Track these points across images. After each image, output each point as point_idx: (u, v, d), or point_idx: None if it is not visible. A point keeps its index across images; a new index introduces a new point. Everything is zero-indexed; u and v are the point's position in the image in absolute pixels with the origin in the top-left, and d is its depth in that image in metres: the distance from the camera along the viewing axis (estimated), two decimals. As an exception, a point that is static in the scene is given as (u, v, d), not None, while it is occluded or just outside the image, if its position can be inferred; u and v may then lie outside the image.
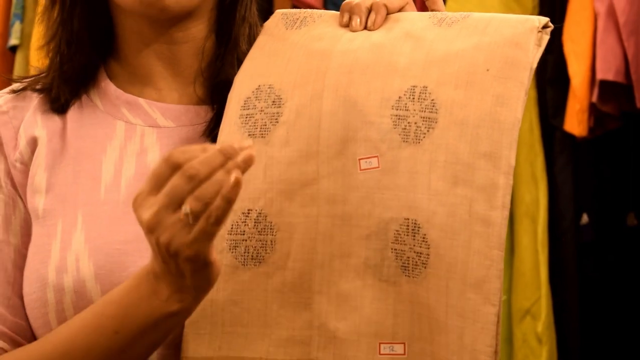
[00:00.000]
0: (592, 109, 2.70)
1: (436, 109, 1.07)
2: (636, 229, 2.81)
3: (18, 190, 1.21)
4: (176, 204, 0.97)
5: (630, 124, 2.77)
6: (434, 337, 1.04)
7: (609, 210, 2.83)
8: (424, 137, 1.07)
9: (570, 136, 2.76)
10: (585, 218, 2.85)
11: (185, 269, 1.00)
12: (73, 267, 1.14)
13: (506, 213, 1.04)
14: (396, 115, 1.08)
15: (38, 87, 1.25)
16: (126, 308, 1.05)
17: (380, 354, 1.05)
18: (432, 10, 1.19)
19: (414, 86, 1.09)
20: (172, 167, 0.98)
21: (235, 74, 1.20)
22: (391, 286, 1.07)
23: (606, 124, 2.75)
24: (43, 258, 1.16)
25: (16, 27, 3.34)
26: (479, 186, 1.04)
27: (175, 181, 0.97)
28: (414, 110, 1.08)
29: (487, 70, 1.07)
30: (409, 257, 1.06)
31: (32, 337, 1.21)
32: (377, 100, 1.09)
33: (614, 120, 2.74)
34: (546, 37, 1.10)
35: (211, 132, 1.21)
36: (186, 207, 0.96)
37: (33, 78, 1.27)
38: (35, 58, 3.24)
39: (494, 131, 1.05)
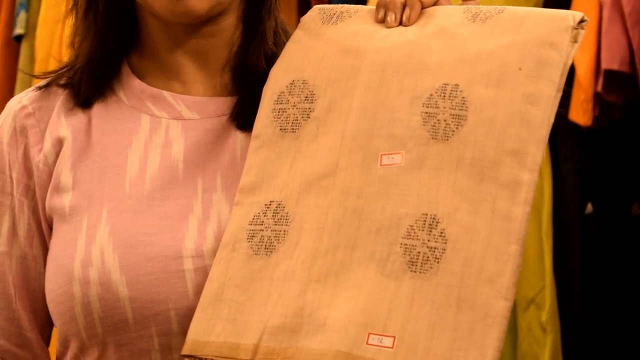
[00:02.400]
0: (597, 98, 2.69)
1: (466, 107, 1.08)
2: (641, 219, 2.82)
3: (34, 194, 1.22)
4: None
5: (634, 114, 2.76)
6: (433, 334, 1.03)
7: (614, 199, 2.83)
8: (452, 134, 1.07)
9: (575, 126, 2.75)
10: (589, 207, 2.84)
11: None
12: (98, 260, 1.14)
13: (528, 209, 1.04)
14: (426, 113, 1.09)
15: (62, 82, 1.25)
16: None
17: (367, 343, 1.04)
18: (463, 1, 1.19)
19: (445, 84, 1.09)
20: None
21: (261, 65, 1.22)
22: (392, 281, 1.07)
23: (611, 114, 2.74)
24: (69, 253, 1.17)
25: (21, 17, 3.34)
26: (503, 183, 1.05)
27: None
28: (444, 107, 1.08)
29: (520, 69, 1.07)
30: (419, 252, 1.06)
31: (42, 348, 1.22)
32: (409, 98, 1.10)
33: (619, 110, 2.74)
34: (582, 32, 1.10)
35: (237, 122, 1.22)
36: None
37: (57, 73, 1.27)
38: (41, 48, 3.25)
39: (522, 129, 1.05)
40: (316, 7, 1.23)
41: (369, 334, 1.04)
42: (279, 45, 1.25)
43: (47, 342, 1.26)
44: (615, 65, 2.64)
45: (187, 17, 1.18)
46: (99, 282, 1.14)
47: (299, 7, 3.16)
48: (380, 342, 1.04)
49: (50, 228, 1.21)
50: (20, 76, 3.33)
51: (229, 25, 1.24)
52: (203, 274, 1.14)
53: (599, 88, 2.66)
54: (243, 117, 1.22)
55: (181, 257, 1.15)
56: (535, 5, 2.80)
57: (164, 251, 1.15)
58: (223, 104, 1.24)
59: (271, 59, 1.23)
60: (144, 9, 1.21)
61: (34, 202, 1.22)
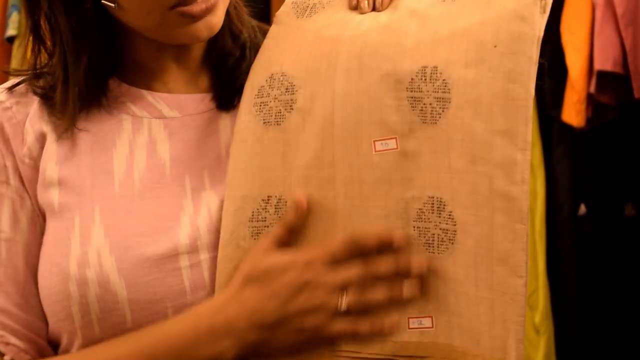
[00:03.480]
0: (590, 99, 2.70)
1: (448, 89, 1.09)
2: (634, 220, 2.82)
3: (26, 185, 1.22)
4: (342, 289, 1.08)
5: (627, 115, 2.77)
6: (462, 310, 1.05)
7: (607, 201, 2.83)
8: (439, 117, 1.08)
9: (568, 127, 2.76)
10: (583, 209, 2.85)
11: (289, 337, 1.09)
12: (95, 262, 1.14)
13: (526, 187, 1.05)
14: (412, 97, 1.10)
15: (39, 90, 1.24)
16: (180, 349, 1.11)
17: (409, 328, 1.06)
18: None
19: (424, 67, 1.10)
20: (355, 250, 1.08)
21: (228, 43, 1.24)
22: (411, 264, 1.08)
23: (604, 115, 2.75)
24: (63, 251, 1.17)
25: (14, 18, 3.34)
26: (497, 163, 1.06)
27: (354, 272, 1.08)
28: (428, 91, 1.09)
29: (495, 46, 1.08)
30: (434, 234, 1.07)
31: (45, 337, 1.22)
32: (391, 83, 1.11)
33: (612, 111, 2.74)
34: (549, 1, 1.11)
35: (218, 102, 1.24)
36: (344, 301, 1.08)
37: (30, 73, 1.27)
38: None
39: (508, 108, 1.06)
40: (289, 1, 1.25)
41: (408, 318, 1.06)
42: (243, 22, 1.27)
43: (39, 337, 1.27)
44: (608, 67, 2.64)
45: (209, 36, 1.18)
46: (98, 283, 1.14)
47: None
48: (421, 323, 1.06)
49: (45, 221, 1.21)
50: (12, 77, 3.33)
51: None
52: (198, 269, 1.15)
53: (592, 89, 2.66)
54: (222, 98, 1.24)
55: (177, 255, 1.15)
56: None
57: (159, 250, 1.15)
58: (203, 100, 1.25)
59: (239, 36, 1.26)
60: (126, 29, 1.21)
61: (28, 192, 1.22)
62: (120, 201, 1.18)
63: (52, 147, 1.21)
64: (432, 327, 1.06)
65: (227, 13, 1.24)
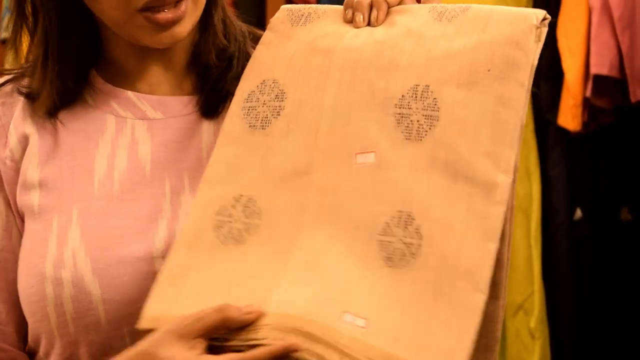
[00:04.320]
0: (586, 103, 2.70)
1: (438, 107, 1.09)
2: (630, 224, 2.82)
3: (5, 188, 1.22)
4: None
5: (624, 119, 2.77)
6: (407, 322, 1.03)
7: (603, 205, 2.83)
8: (425, 134, 1.09)
9: (564, 131, 2.76)
10: (579, 213, 2.85)
11: None
12: (70, 263, 1.15)
13: (504, 209, 1.04)
14: (399, 114, 1.10)
15: (24, 89, 1.24)
16: None
17: (341, 320, 1.04)
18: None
19: (416, 85, 1.11)
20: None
21: (211, 58, 1.24)
22: (369, 275, 1.07)
23: (600, 119, 2.75)
24: (41, 253, 1.17)
25: (7, 21, 3.34)
26: (478, 182, 1.06)
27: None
28: (417, 108, 1.10)
29: (489, 70, 1.09)
30: (395, 248, 1.06)
31: (16, 343, 1.22)
32: (381, 98, 1.11)
33: (608, 115, 2.74)
34: (545, 30, 1.11)
35: (202, 113, 1.23)
36: None
37: (17, 72, 1.27)
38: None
39: (495, 131, 1.07)
40: (284, 8, 1.25)
41: (343, 312, 1.04)
42: (230, 35, 1.27)
43: (24, 339, 1.25)
44: (604, 70, 2.64)
45: (172, 44, 1.19)
46: (72, 283, 1.14)
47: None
48: (353, 320, 1.04)
49: (24, 223, 1.21)
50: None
51: (193, 29, 1.24)
52: None
53: (588, 93, 2.67)
54: (206, 107, 1.24)
55: (152, 258, 1.16)
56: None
57: (135, 253, 1.15)
58: (187, 103, 1.25)
59: (224, 52, 1.26)
60: (109, 31, 1.21)
61: (6, 196, 1.21)
62: (98, 202, 1.18)
63: (34, 149, 1.21)
64: (365, 327, 1.03)
65: (213, 27, 1.24)
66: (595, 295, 2.83)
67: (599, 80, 2.66)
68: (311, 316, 1.03)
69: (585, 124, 2.73)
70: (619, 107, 2.72)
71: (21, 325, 1.23)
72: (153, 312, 1.09)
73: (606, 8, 2.65)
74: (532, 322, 2.85)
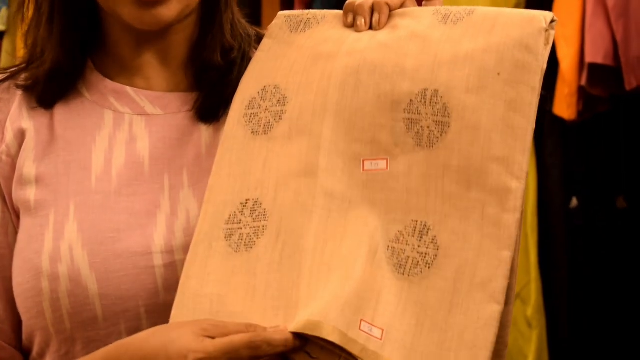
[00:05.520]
0: (581, 92, 2.70)
1: (448, 113, 1.08)
2: (626, 212, 2.82)
3: (1, 184, 1.21)
4: None
5: (619, 107, 2.77)
6: (422, 333, 1.04)
7: (599, 193, 2.83)
8: (437, 141, 1.08)
9: (559, 120, 2.76)
10: (574, 202, 2.85)
11: None
12: (67, 257, 1.14)
13: (518, 216, 1.04)
14: (409, 119, 1.09)
15: (21, 82, 1.24)
16: None
17: (360, 329, 1.04)
18: (427, 0, 1.18)
19: (424, 89, 1.09)
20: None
21: (216, 58, 1.21)
22: (379, 277, 1.06)
23: (595, 107, 2.74)
24: (36, 248, 1.16)
25: (2, 13, 3.34)
26: (492, 189, 1.05)
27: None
28: (426, 114, 1.08)
29: (498, 74, 1.07)
30: (408, 257, 1.06)
31: (12, 340, 1.22)
32: (388, 103, 1.10)
33: (603, 104, 2.74)
34: (552, 33, 1.10)
35: (199, 115, 1.22)
36: None
37: (14, 69, 1.26)
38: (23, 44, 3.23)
39: (507, 137, 1.06)
40: (282, 15, 1.22)
41: (361, 320, 1.04)
42: (237, 37, 1.25)
43: (21, 338, 1.25)
44: (599, 59, 2.64)
45: (156, 26, 1.17)
46: (69, 278, 1.13)
47: (282, 4, 3.16)
48: (370, 331, 1.04)
49: (19, 219, 1.21)
50: (2, 72, 3.32)
51: (190, 23, 1.23)
52: (173, 269, 1.14)
53: (583, 82, 2.66)
54: (205, 111, 1.22)
55: (150, 253, 1.15)
56: (518, 1, 2.80)
57: (133, 247, 1.14)
58: (186, 99, 1.23)
59: (229, 53, 1.23)
60: (106, 13, 1.20)
61: (2, 191, 1.21)
62: (96, 197, 1.17)
63: (30, 144, 1.21)
64: (380, 339, 1.03)
65: (220, 26, 1.23)
66: (592, 284, 2.83)
67: (593, 68, 2.66)
68: (334, 322, 1.03)
69: (580, 113, 2.72)
70: (614, 95, 2.72)
71: (18, 323, 1.22)
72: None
73: (600, -3, 2.66)
74: (529, 311, 2.85)
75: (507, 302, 1.09)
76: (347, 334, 1.02)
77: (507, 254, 1.03)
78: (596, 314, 2.83)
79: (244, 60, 1.23)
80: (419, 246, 1.06)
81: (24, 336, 1.21)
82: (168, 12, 1.16)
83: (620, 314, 2.81)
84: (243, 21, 1.27)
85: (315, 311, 1.03)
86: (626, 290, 2.80)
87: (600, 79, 2.68)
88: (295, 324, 1.03)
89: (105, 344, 1.11)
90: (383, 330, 1.04)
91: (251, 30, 1.28)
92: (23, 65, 1.25)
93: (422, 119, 1.08)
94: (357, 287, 1.05)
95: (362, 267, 1.07)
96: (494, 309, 1.02)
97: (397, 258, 1.06)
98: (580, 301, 2.84)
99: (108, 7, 1.17)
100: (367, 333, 1.03)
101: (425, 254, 1.06)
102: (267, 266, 1.09)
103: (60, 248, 1.14)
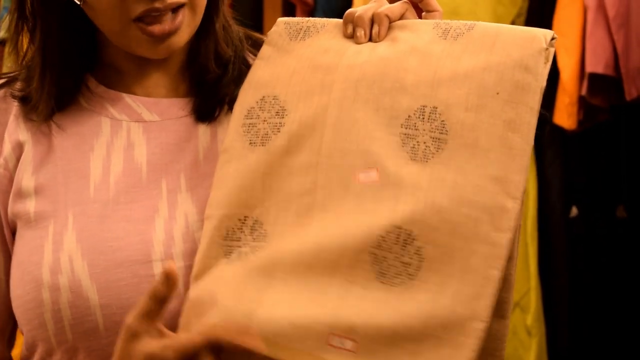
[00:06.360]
0: (582, 102, 2.70)
1: (446, 130, 1.07)
2: (626, 222, 2.82)
3: None
4: None
5: (619, 117, 2.77)
6: (397, 343, 1.02)
7: (599, 203, 2.83)
8: (432, 156, 1.07)
9: (560, 129, 2.76)
10: (574, 211, 2.85)
11: None
12: (67, 268, 1.14)
13: (511, 236, 1.03)
14: (405, 134, 1.09)
15: (17, 93, 1.23)
16: None
17: (329, 344, 1.03)
18: (427, 11, 1.18)
19: (423, 106, 1.09)
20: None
21: (210, 64, 1.22)
22: (358, 286, 1.05)
23: (595, 117, 2.75)
24: (36, 260, 1.16)
25: (6, 20, 3.33)
26: (485, 207, 1.04)
27: None
28: (424, 130, 1.08)
29: (497, 93, 1.07)
30: (390, 265, 1.05)
31: (1, 346, 1.22)
32: (386, 118, 1.09)
33: (603, 113, 2.75)
34: (552, 50, 1.09)
35: (196, 117, 1.22)
36: None
37: (8, 77, 1.26)
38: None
39: (504, 156, 1.05)
40: (281, 22, 1.22)
41: (330, 334, 1.03)
42: (229, 40, 1.25)
43: (8, 345, 1.26)
44: (599, 69, 2.64)
45: (168, 54, 1.18)
46: (70, 289, 1.13)
47: (283, 8, 3.16)
48: (342, 344, 1.03)
49: (13, 234, 1.20)
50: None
51: (189, 38, 1.23)
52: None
53: (584, 92, 2.67)
54: (201, 112, 1.22)
55: (150, 262, 1.14)
56: (520, 10, 2.81)
57: (133, 256, 1.14)
58: (183, 105, 1.23)
59: (221, 58, 1.24)
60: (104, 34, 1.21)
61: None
62: (94, 206, 1.17)
63: (28, 156, 1.20)
64: (355, 352, 1.02)
65: (214, 34, 1.23)
66: (591, 293, 2.83)
67: (594, 78, 2.67)
68: (298, 342, 1.02)
69: (580, 123, 2.73)
70: (614, 105, 2.72)
71: (5, 329, 1.23)
72: None
73: (601, 7, 2.66)
74: (529, 320, 2.85)
75: (504, 316, 1.09)
76: (312, 353, 1.02)
77: (495, 273, 1.02)
78: (596, 322, 2.83)
79: (237, 61, 1.25)
80: (402, 255, 1.05)
81: (24, 347, 1.20)
82: (180, 40, 1.17)
83: (620, 322, 2.81)
84: (233, 23, 1.28)
85: (277, 325, 1.04)
86: (626, 299, 2.80)
87: (601, 89, 2.69)
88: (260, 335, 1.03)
89: (108, 353, 1.12)
90: (355, 342, 1.02)
91: (241, 31, 1.29)
92: (19, 72, 1.25)
93: (419, 134, 1.08)
94: (330, 303, 1.05)
95: (337, 277, 1.06)
96: (477, 327, 1.01)
97: (378, 265, 1.05)
98: (580, 310, 2.84)
99: (121, 45, 1.18)
100: (339, 347, 1.02)
101: (408, 264, 1.04)
102: (257, 273, 1.09)
103: (60, 259, 1.14)
